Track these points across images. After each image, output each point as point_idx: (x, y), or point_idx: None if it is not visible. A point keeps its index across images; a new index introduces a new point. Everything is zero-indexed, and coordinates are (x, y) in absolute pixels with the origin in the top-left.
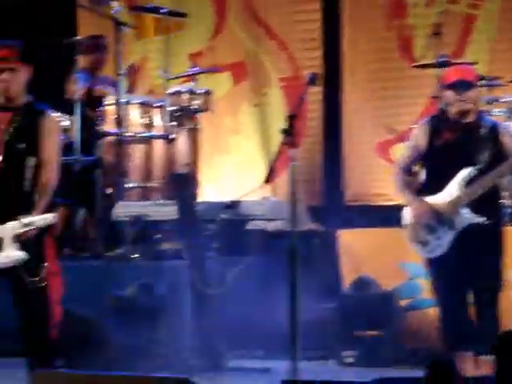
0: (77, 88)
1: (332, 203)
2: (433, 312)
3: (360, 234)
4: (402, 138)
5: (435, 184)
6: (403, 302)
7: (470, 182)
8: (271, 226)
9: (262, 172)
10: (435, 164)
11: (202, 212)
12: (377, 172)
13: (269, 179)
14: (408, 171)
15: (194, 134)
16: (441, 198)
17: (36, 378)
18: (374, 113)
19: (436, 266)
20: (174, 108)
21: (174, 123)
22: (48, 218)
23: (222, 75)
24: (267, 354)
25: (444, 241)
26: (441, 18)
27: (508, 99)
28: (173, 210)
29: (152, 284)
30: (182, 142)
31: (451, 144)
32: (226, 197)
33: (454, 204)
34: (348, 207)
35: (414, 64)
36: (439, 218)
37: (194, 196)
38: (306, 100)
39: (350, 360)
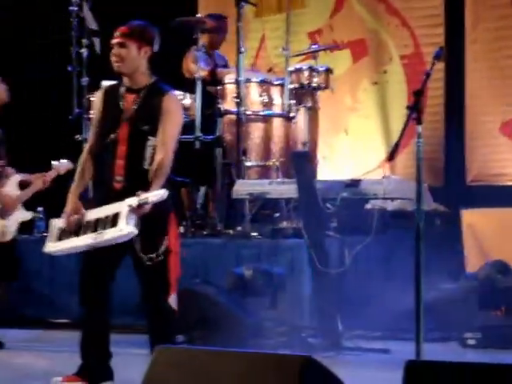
0: (197, 66)
1: (454, 183)
2: None
3: (483, 214)
4: None
5: None
6: None
7: None
8: (391, 206)
9: (380, 151)
10: None
11: (321, 191)
12: (501, 152)
13: (392, 157)
14: None
15: (313, 112)
16: None
17: (157, 354)
18: (497, 91)
19: None
20: (294, 86)
21: (294, 101)
22: (160, 193)
23: (342, 53)
24: (387, 335)
25: None
26: None
27: None
28: (292, 188)
29: (271, 262)
30: (301, 120)
31: None
32: (344, 175)
33: None
34: (470, 187)
35: None
36: None
37: (313, 174)
38: (431, 76)
39: (473, 342)
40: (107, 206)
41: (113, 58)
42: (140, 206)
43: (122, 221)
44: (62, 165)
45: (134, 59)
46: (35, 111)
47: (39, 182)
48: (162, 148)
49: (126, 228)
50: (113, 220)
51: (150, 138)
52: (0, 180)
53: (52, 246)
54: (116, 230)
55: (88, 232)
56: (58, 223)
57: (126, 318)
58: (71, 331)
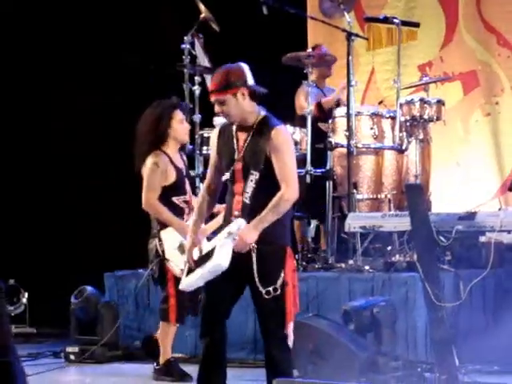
0: (308, 101)
1: None
2: None
3: None
4: None
5: None
6: None
7: None
8: (507, 238)
9: (493, 182)
10: None
11: (435, 223)
12: None
13: (507, 188)
14: None
15: (425, 144)
16: None
17: None
18: None
19: None
20: (405, 118)
21: (405, 134)
22: (239, 222)
23: (453, 85)
24: (504, 369)
25: None
26: None
27: None
28: (405, 221)
29: (384, 296)
30: (412, 152)
31: None
32: (457, 208)
33: None
34: None
35: None
36: None
37: (426, 207)
38: None
39: None
40: (215, 238)
41: (220, 114)
42: (233, 239)
43: (215, 253)
44: None
45: (236, 107)
46: None
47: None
48: (284, 182)
49: (216, 259)
50: (212, 252)
51: (252, 172)
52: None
53: (183, 283)
54: (210, 262)
55: (202, 265)
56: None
57: (241, 352)
58: None
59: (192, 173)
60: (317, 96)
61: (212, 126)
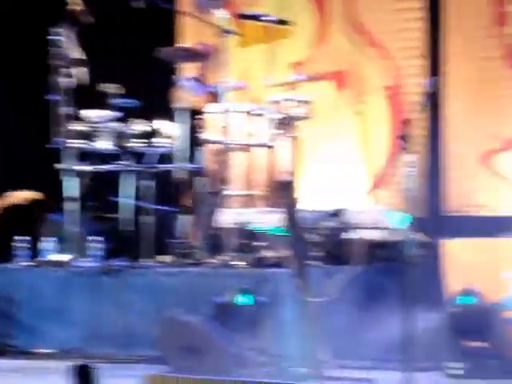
0: (182, 96)
1: (434, 213)
2: None
3: (463, 244)
4: (506, 147)
5: None
6: (510, 314)
7: None
8: (376, 235)
9: (364, 181)
10: None
11: (305, 220)
12: (480, 182)
13: (377, 186)
14: None
15: (295, 141)
16: None
17: (149, 382)
18: (477, 121)
19: None
20: (276, 116)
21: (277, 131)
22: None
23: (324, 84)
24: (371, 365)
25: None
26: None
27: None
28: (276, 217)
29: (254, 292)
30: (283, 149)
31: None
32: (328, 205)
33: None
34: (450, 218)
35: None
36: None
37: (296, 204)
38: (427, 105)
39: (457, 372)
40: None
41: None
42: None
43: None
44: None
45: None
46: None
47: None
48: None
49: None
50: None
51: None
52: None
53: None
54: None
55: None
56: None
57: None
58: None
59: (58, 166)
60: (197, 91)
61: (80, 120)
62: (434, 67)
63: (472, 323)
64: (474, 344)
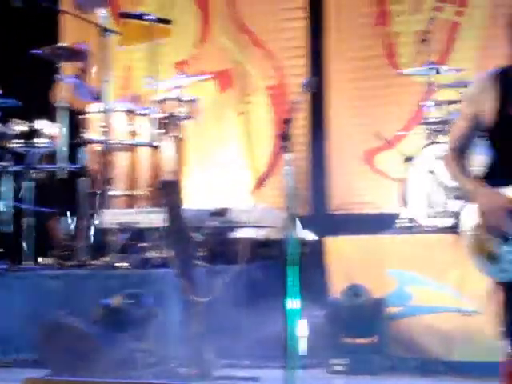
0: (62, 95)
1: (318, 211)
2: (422, 320)
3: (347, 241)
4: (388, 145)
5: (507, 169)
6: (393, 310)
7: None
8: (260, 234)
9: (248, 180)
10: (507, 141)
11: (189, 219)
12: (363, 180)
13: (260, 185)
14: (463, 151)
15: (179, 141)
16: None
17: None
18: (359, 120)
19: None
20: (161, 115)
21: (160, 131)
22: None
23: (208, 83)
24: (256, 363)
25: None
26: (428, 25)
27: None
28: (160, 217)
29: (139, 293)
30: (167, 149)
31: None
32: (213, 204)
33: None
34: (334, 216)
35: (401, 71)
36: None
37: (181, 203)
38: (300, 104)
39: (340, 368)
40: None
41: None
42: None
43: None
44: None
45: None
46: None
47: None
48: None
49: None
50: None
51: None
52: None
53: None
54: None
55: None
56: None
57: None
58: None
59: None
60: (78, 90)
61: None
62: (317, 67)
63: (356, 320)
64: (357, 340)
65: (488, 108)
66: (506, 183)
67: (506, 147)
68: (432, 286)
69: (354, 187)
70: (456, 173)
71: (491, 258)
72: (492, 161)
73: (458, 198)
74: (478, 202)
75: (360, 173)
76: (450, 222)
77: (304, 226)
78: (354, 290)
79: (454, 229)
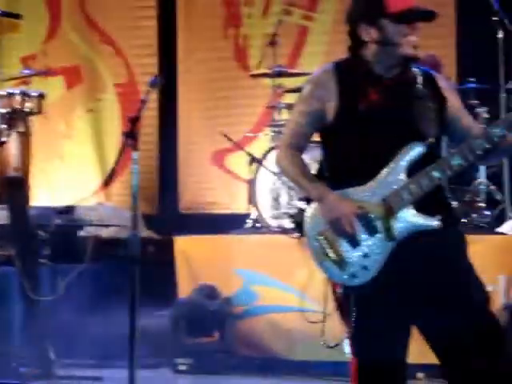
0: None
1: (167, 211)
2: (266, 319)
3: (195, 241)
4: (237, 147)
5: (352, 170)
6: (239, 309)
7: (416, 166)
8: (105, 233)
9: (96, 178)
10: (353, 138)
11: (34, 217)
12: (211, 181)
13: (107, 183)
14: (298, 149)
15: (25, 137)
16: (369, 192)
17: None
18: (209, 121)
19: (360, 300)
20: (6, 110)
21: (5, 126)
22: None
23: (56, 79)
24: (100, 363)
25: (374, 260)
26: (276, 29)
27: None
28: (3, 214)
29: None
30: (12, 145)
31: (381, 107)
32: (59, 202)
33: (394, 201)
34: (183, 215)
35: (250, 73)
36: (368, 224)
37: (25, 201)
38: (146, 103)
39: (184, 367)
40: None
41: None
42: None
43: None
44: None
45: None
46: None
47: None
48: None
49: None
50: None
51: None
52: None
53: None
54: None
55: None
56: None
57: None
58: None
59: None
60: None
61: None
62: (168, 66)
63: (201, 319)
64: (202, 340)
65: (329, 105)
66: (347, 185)
67: (353, 145)
68: (277, 286)
69: (203, 187)
70: (293, 173)
71: (339, 262)
72: (335, 161)
73: (301, 199)
74: (324, 207)
75: (210, 173)
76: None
77: (153, 225)
78: (203, 290)
79: (298, 230)
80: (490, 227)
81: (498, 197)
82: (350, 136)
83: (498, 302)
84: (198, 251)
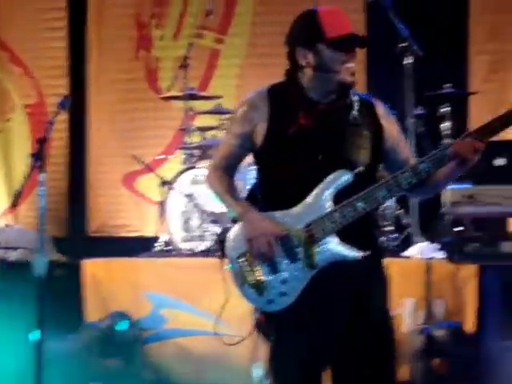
0: None
1: (76, 233)
2: (176, 343)
3: (104, 264)
4: (148, 169)
5: (280, 194)
6: (147, 333)
7: (345, 193)
8: (12, 255)
9: (3, 199)
10: (281, 161)
11: None
12: (122, 203)
13: (14, 205)
14: (229, 170)
15: None
16: (294, 217)
17: None
18: (120, 143)
19: (280, 326)
20: None
21: None
22: None
23: None
24: None
25: (292, 286)
26: (188, 51)
27: None
28: None
29: None
30: None
31: (311, 132)
32: None
33: (317, 228)
34: (92, 238)
35: (161, 96)
36: (288, 249)
37: None
38: (54, 125)
39: None
40: None
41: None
42: None
43: None
44: None
45: None
46: None
47: None
48: None
49: None
50: None
51: None
52: None
53: None
54: None
55: None
56: None
57: None
58: None
59: None
60: None
61: None
62: (79, 87)
63: (110, 344)
64: (111, 364)
65: (260, 128)
66: (276, 208)
67: (282, 168)
68: (187, 309)
69: (113, 210)
70: (222, 193)
71: (257, 286)
72: (266, 183)
73: (214, 222)
74: (244, 227)
75: (120, 195)
76: (206, 245)
77: (61, 248)
78: (113, 315)
79: (210, 252)
80: (397, 251)
81: (405, 220)
82: (279, 159)
83: (404, 326)
84: (107, 274)
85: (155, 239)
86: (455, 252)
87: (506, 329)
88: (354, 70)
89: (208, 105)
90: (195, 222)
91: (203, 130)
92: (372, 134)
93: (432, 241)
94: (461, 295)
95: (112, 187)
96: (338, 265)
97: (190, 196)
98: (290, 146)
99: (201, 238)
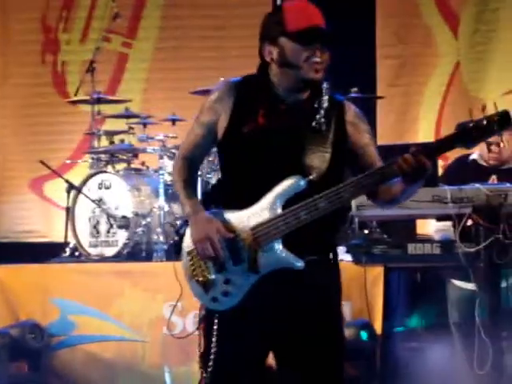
0: None
1: None
2: (85, 349)
3: (12, 270)
4: (55, 174)
5: (235, 193)
6: (55, 340)
7: (299, 198)
8: None
9: None
10: (236, 160)
11: None
12: (29, 208)
13: None
14: (194, 161)
15: None
16: (242, 219)
17: None
18: (27, 148)
19: (221, 326)
20: None
21: None
22: None
23: None
24: None
25: (236, 288)
26: (95, 55)
27: (161, 137)
28: None
29: None
30: None
31: (266, 132)
32: None
33: (262, 233)
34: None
35: (67, 100)
36: (234, 251)
37: None
38: None
39: None
40: None
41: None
42: None
43: None
44: None
45: None
46: None
47: None
48: None
49: None
50: None
51: None
52: None
53: None
54: None
55: None
56: None
57: None
58: None
59: None
60: None
61: None
62: None
63: (16, 350)
64: (20, 371)
65: (222, 120)
66: (231, 206)
67: (237, 167)
68: (95, 315)
69: (20, 215)
70: (178, 188)
71: (203, 284)
72: (224, 181)
73: (122, 227)
74: (191, 229)
75: (27, 200)
76: (114, 251)
77: None
78: (22, 323)
79: (120, 258)
80: None
81: None
82: (235, 157)
83: None
84: (14, 280)
85: (64, 245)
86: (362, 254)
87: (411, 329)
88: (321, 66)
89: (117, 109)
90: (103, 227)
91: (111, 134)
92: (335, 138)
93: (339, 244)
94: (368, 297)
95: (19, 192)
96: (284, 272)
97: (98, 201)
98: (245, 145)
99: (109, 243)
